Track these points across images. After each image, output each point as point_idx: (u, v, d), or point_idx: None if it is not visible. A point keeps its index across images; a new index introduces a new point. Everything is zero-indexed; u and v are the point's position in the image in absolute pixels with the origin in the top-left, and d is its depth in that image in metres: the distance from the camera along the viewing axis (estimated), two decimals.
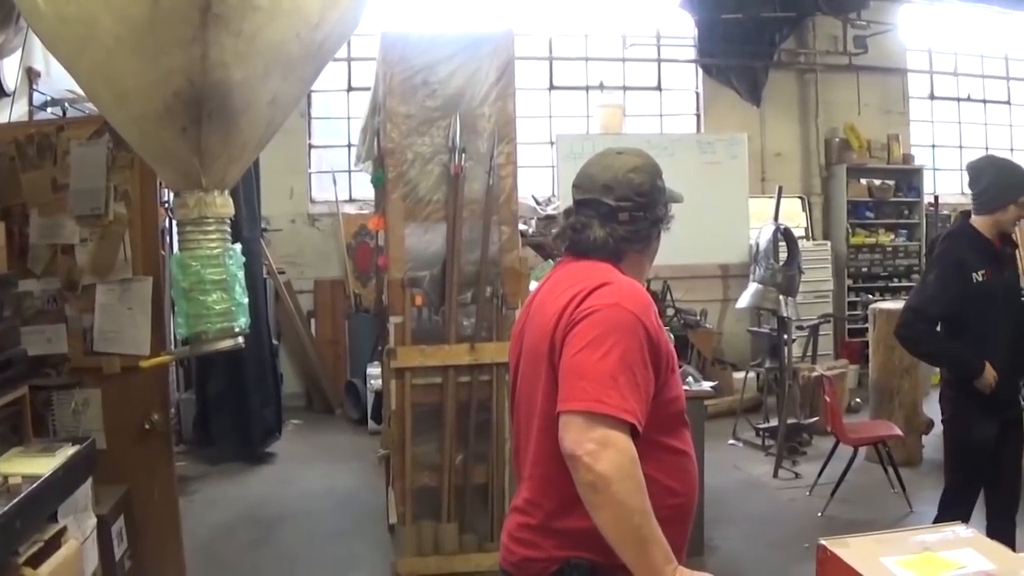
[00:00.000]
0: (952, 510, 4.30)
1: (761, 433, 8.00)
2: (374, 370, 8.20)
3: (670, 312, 9.96)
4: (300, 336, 9.83)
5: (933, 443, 7.05)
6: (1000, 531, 4.26)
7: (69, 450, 3.50)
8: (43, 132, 4.37)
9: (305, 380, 10.04)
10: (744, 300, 8.04)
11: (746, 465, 7.53)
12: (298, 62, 3.18)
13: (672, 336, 7.85)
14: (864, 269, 11.17)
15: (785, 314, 7.67)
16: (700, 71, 11.26)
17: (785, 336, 7.72)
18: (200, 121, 3.01)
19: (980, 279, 4.41)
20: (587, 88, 11.16)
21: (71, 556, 3.32)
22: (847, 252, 11.02)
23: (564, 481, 2.11)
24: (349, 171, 10.34)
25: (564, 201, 6.21)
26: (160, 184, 4.38)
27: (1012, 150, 11.94)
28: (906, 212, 11.40)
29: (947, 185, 12.03)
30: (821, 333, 9.18)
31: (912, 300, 4.70)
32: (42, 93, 6.36)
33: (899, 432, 6.56)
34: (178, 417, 7.89)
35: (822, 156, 11.32)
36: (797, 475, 7.14)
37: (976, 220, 4.57)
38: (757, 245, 8.00)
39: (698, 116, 11.43)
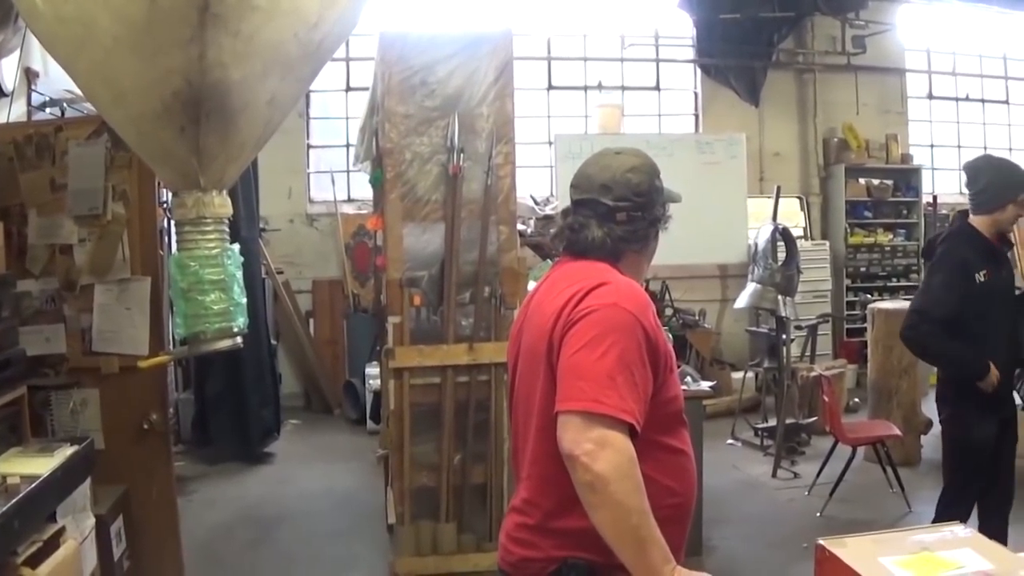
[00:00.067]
0: (951, 510, 4.30)
1: (760, 433, 8.00)
2: (372, 370, 8.19)
3: (669, 312, 9.95)
4: (298, 336, 9.83)
5: (932, 443, 7.05)
6: (993, 530, 4.26)
7: (67, 450, 3.50)
8: (41, 132, 4.37)
9: (304, 380, 10.04)
10: (743, 300, 8.04)
11: (745, 465, 7.53)
12: (296, 62, 3.18)
13: (671, 336, 7.87)
14: (862, 269, 11.18)
15: (783, 314, 7.67)
16: (698, 71, 11.27)
17: (784, 336, 7.72)
18: (198, 121, 3.01)
19: (982, 279, 4.41)
20: (585, 88, 11.17)
21: (70, 556, 3.32)
22: (845, 252, 11.02)
23: (562, 481, 2.11)
24: (347, 171, 10.33)
25: (562, 201, 6.21)
26: (158, 184, 4.38)
27: (1011, 150, 11.94)
28: (904, 212, 11.41)
29: (945, 185, 12.04)
30: (819, 333, 9.18)
31: (917, 302, 4.68)
32: (40, 93, 6.36)
33: (898, 432, 6.56)
34: (176, 417, 7.89)
35: (820, 156, 11.32)
36: (796, 475, 7.14)
37: (975, 220, 4.57)
38: (755, 245, 8.00)
39: (696, 116, 11.43)
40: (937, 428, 4.97)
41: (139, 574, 4.31)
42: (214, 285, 3.35)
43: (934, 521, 4.40)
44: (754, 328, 9.32)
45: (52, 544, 3.23)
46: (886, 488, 6.54)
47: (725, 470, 7.26)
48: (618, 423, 2.05)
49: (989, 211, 4.52)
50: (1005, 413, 4.63)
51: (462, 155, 4.93)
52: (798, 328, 8.51)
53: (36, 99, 6.34)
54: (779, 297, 7.66)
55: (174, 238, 3.64)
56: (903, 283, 11.16)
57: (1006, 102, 12.56)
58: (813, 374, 7.66)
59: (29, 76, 6.29)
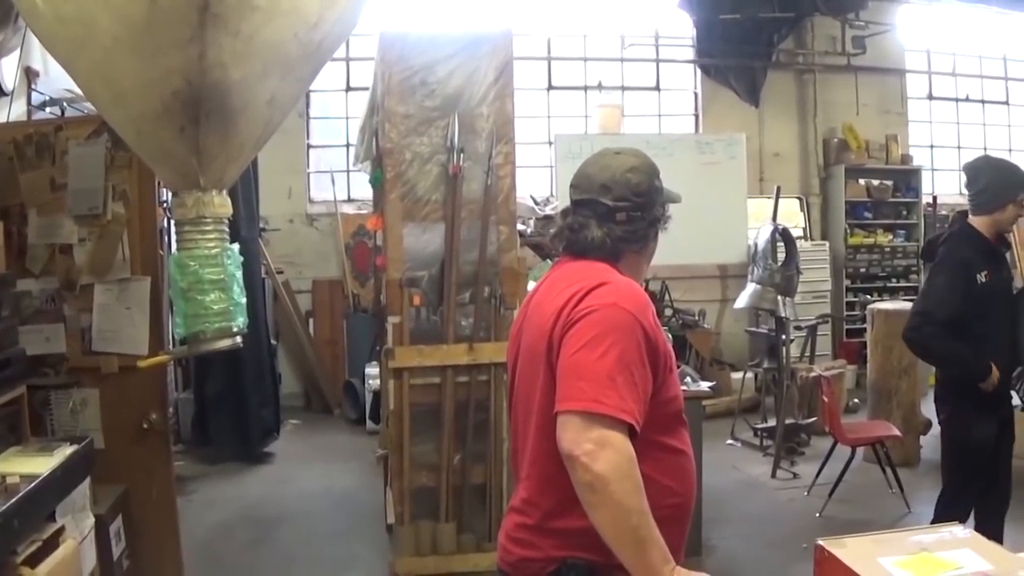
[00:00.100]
0: (951, 510, 4.28)
1: (759, 433, 8.00)
2: (372, 370, 8.19)
3: (668, 312, 9.96)
4: (298, 336, 9.83)
5: (931, 443, 7.05)
6: (990, 531, 4.25)
7: (67, 450, 3.50)
8: (41, 132, 4.37)
9: (303, 380, 10.04)
10: (742, 300, 8.04)
11: (744, 465, 7.53)
12: (296, 62, 3.18)
13: (670, 336, 7.87)
14: (862, 269, 11.18)
15: (783, 314, 7.68)
16: (698, 71, 11.27)
17: (783, 336, 7.72)
18: (198, 121, 3.01)
19: (983, 280, 4.41)
20: (585, 88, 11.17)
21: (69, 556, 3.32)
22: (845, 252, 11.02)
23: (562, 481, 2.11)
24: (347, 171, 10.33)
25: (562, 201, 6.20)
26: (158, 184, 4.39)
27: (1010, 150, 11.94)
28: (904, 212, 11.41)
29: (945, 185, 12.04)
30: (819, 333, 9.18)
31: (920, 303, 4.67)
32: (40, 93, 6.36)
33: (897, 432, 6.56)
34: (176, 417, 7.89)
35: (820, 156, 11.32)
36: (795, 475, 7.14)
37: (975, 220, 4.57)
38: (755, 245, 8.00)
39: (696, 116, 11.43)
40: (936, 429, 4.97)
41: (138, 574, 4.31)
42: (214, 285, 3.35)
43: (933, 521, 4.40)
44: (754, 328, 9.32)
45: (51, 543, 3.23)
46: (885, 488, 6.54)
47: (725, 470, 7.26)
48: (618, 423, 2.05)
49: (989, 211, 4.52)
50: (1003, 413, 4.63)
51: (462, 155, 4.93)
52: (798, 328, 8.51)
53: (36, 98, 6.34)
54: (779, 297, 7.66)
55: (174, 238, 3.64)
56: (903, 284, 11.17)
57: (1006, 103, 12.57)
58: (813, 374, 7.66)
59: (29, 75, 6.29)
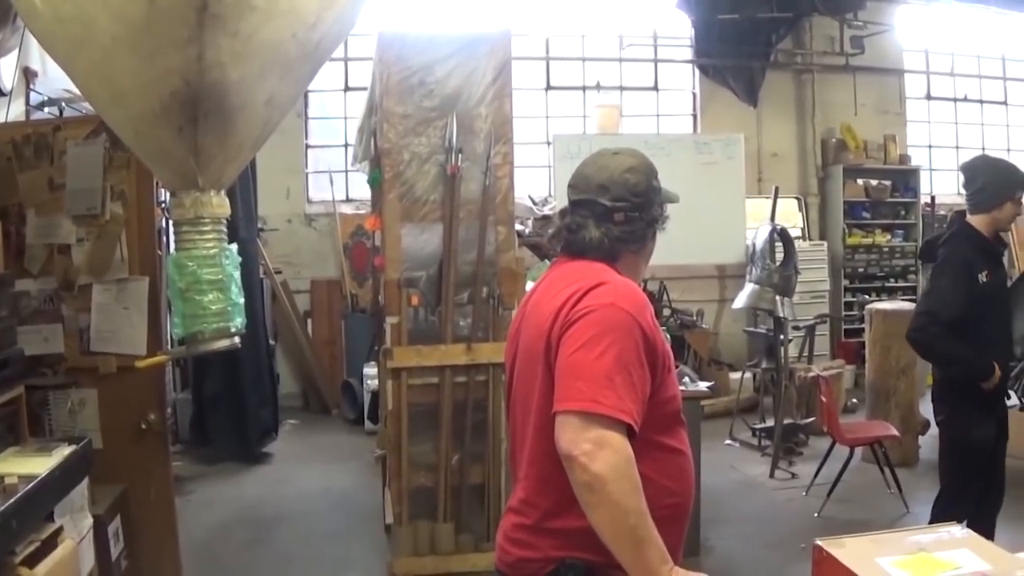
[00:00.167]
0: (951, 511, 4.24)
1: (757, 433, 8.00)
2: (371, 370, 8.20)
3: (666, 312, 9.96)
4: (297, 336, 9.83)
5: (929, 443, 7.05)
6: (982, 530, 4.24)
7: (65, 450, 3.50)
8: (40, 132, 4.37)
9: (302, 380, 10.03)
10: (740, 300, 8.04)
11: (742, 465, 7.54)
12: (295, 62, 3.18)
13: (668, 336, 7.86)
14: (860, 269, 11.18)
15: (781, 314, 7.67)
16: (697, 71, 11.27)
17: (781, 336, 7.72)
18: (196, 121, 3.01)
19: (984, 280, 4.42)
20: (584, 88, 11.17)
21: (67, 556, 3.32)
22: (843, 252, 11.02)
23: (560, 481, 2.11)
24: (346, 171, 10.33)
25: (560, 201, 6.20)
26: (157, 184, 4.38)
27: (1009, 150, 11.94)
28: (903, 212, 11.41)
29: (944, 185, 12.03)
30: (817, 333, 9.18)
31: (924, 304, 4.65)
32: (39, 93, 6.36)
33: (895, 432, 6.56)
34: (174, 417, 7.89)
35: (819, 156, 11.32)
36: (793, 475, 7.14)
37: (973, 219, 4.57)
38: (753, 245, 8.00)
39: (695, 116, 11.43)
40: (935, 429, 4.96)
41: (137, 574, 4.31)
42: (212, 285, 3.34)
43: (931, 522, 4.40)
44: (752, 328, 9.33)
45: (50, 544, 3.23)
46: (884, 488, 6.54)
47: (723, 470, 7.27)
48: (616, 423, 2.05)
49: (987, 209, 4.53)
50: (999, 412, 4.64)
51: (460, 155, 4.93)
52: (796, 328, 8.52)
53: (34, 99, 6.34)
54: (777, 297, 7.66)
55: (172, 238, 3.64)
56: (901, 284, 11.18)
57: (1004, 103, 12.58)
58: (811, 374, 7.67)
59: (27, 76, 6.29)
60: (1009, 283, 5.03)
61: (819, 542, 2.18)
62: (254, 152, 3.64)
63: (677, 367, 3.85)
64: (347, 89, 10.54)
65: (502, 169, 5.04)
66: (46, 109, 6.33)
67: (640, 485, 2.05)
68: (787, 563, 5.40)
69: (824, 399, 6.60)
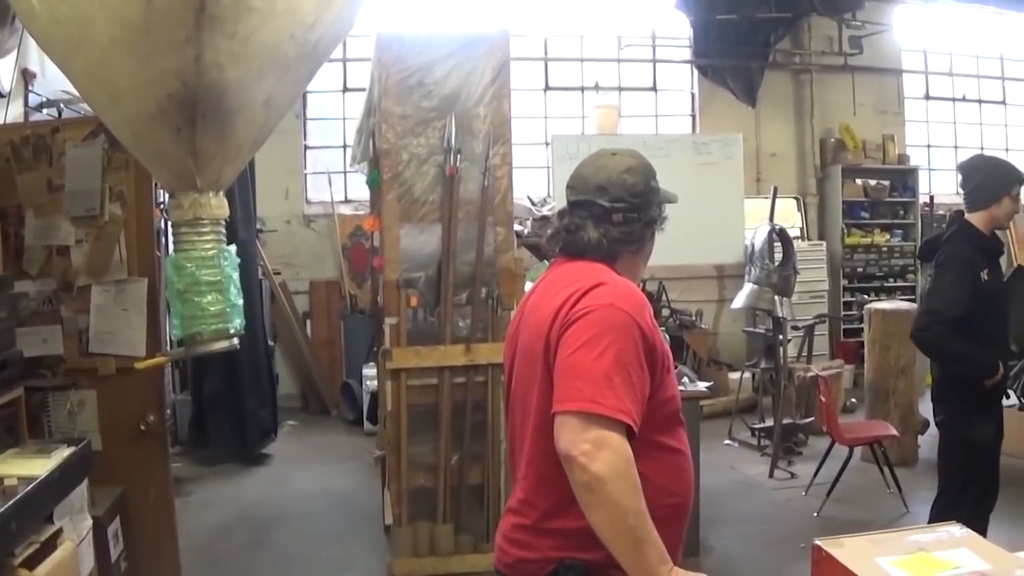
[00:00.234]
0: (951, 512, 4.20)
1: (757, 433, 8.01)
2: (370, 371, 8.19)
3: (666, 313, 9.96)
4: (296, 337, 9.83)
5: (929, 443, 7.05)
6: (976, 529, 4.22)
7: (65, 451, 3.50)
8: (38, 133, 4.37)
9: (301, 381, 10.03)
10: (739, 300, 8.04)
11: (742, 465, 7.54)
12: (293, 63, 3.18)
13: (668, 337, 7.87)
14: (859, 269, 11.17)
15: (780, 314, 7.67)
16: (695, 72, 11.27)
17: (780, 336, 7.72)
18: (194, 122, 3.01)
19: (985, 278, 4.42)
20: (582, 89, 11.17)
21: (67, 558, 3.32)
22: (842, 252, 11.03)
23: (559, 481, 2.11)
24: (345, 172, 10.32)
25: (559, 202, 6.21)
26: (155, 185, 4.38)
27: (1007, 150, 11.95)
28: (901, 212, 11.41)
29: (942, 185, 12.02)
30: (816, 333, 9.18)
31: (928, 303, 4.63)
32: (38, 94, 6.36)
33: (895, 432, 6.56)
34: (174, 418, 7.89)
35: (817, 156, 11.32)
36: (793, 475, 7.14)
37: (972, 217, 4.57)
38: (752, 246, 8.00)
39: (693, 117, 11.43)
40: (934, 428, 4.96)
41: (136, 575, 4.31)
42: (211, 286, 3.34)
43: (930, 523, 4.38)
44: (751, 329, 9.34)
45: (49, 545, 3.23)
46: (883, 488, 6.54)
47: (722, 470, 7.27)
48: (615, 424, 2.05)
49: (985, 205, 4.53)
50: (996, 411, 4.64)
51: (459, 156, 4.93)
52: (795, 328, 8.52)
53: (33, 100, 6.34)
54: (776, 298, 7.66)
55: (171, 239, 3.64)
56: (900, 283, 11.18)
57: (1003, 102, 12.58)
58: (810, 374, 7.67)
59: (26, 77, 6.29)
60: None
61: (818, 542, 2.17)
62: (252, 153, 3.64)
63: (676, 367, 3.85)
64: (345, 90, 10.54)
65: (501, 170, 5.04)
66: (45, 110, 6.33)
67: (639, 485, 2.05)
68: (786, 563, 5.40)
69: (823, 399, 6.60)
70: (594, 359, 2.11)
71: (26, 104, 6.29)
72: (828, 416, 6.52)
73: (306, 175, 10.55)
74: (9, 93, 6.04)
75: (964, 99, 12.42)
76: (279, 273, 9.83)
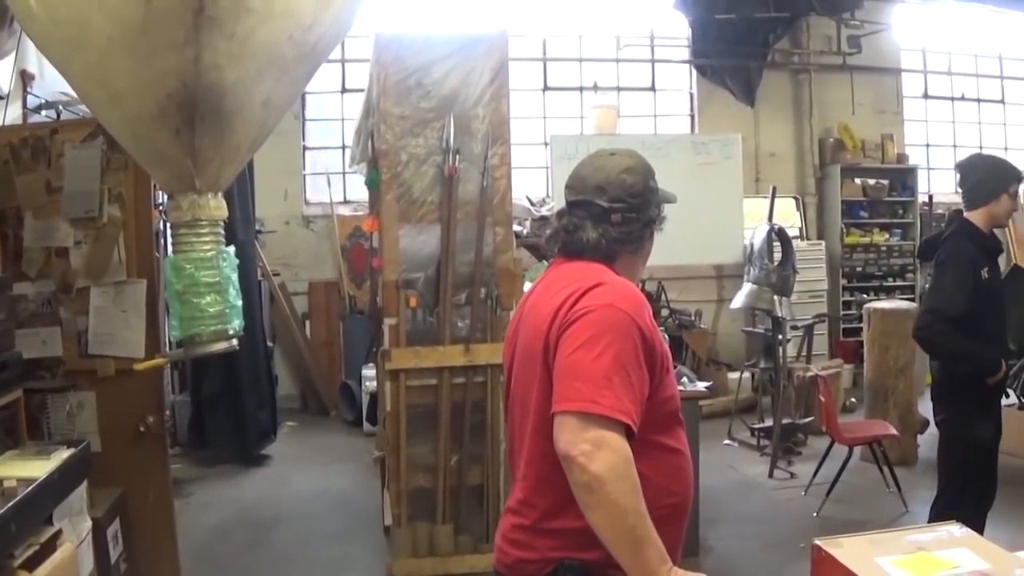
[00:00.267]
0: (951, 511, 4.18)
1: (756, 433, 8.01)
2: (369, 372, 8.19)
3: (665, 312, 9.96)
4: (295, 338, 9.83)
5: (928, 442, 7.06)
6: (975, 529, 4.22)
7: (64, 453, 3.49)
8: (37, 135, 4.36)
9: (300, 382, 10.03)
10: (739, 300, 8.04)
11: (741, 465, 7.54)
12: (291, 64, 3.18)
13: (667, 336, 7.86)
14: (859, 269, 11.18)
15: (779, 314, 7.67)
16: (694, 71, 11.27)
17: (780, 336, 7.73)
18: (193, 123, 3.00)
19: (985, 276, 4.42)
20: (581, 89, 11.17)
21: (66, 559, 3.32)
22: (841, 252, 11.03)
23: (558, 481, 2.11)
24: (343, 173, 10.33)
25: (558, 202, 6.20)
26: (154, 186, 4.38)
27: (1006, 149, 11.96)
28: (900, 212, 11.42)
29: (941, 185, 12.02)
30: (816, 333, 9.19)
31: (930, 302, 4.63)
32: (36, 96, 6.35)
33: (894, 432, 6.56)
34: (173, 420, 7.89)
35: (816, 156, 11.32)
36: (792, 475, 7.15)
37: (971, 215, 4.57)
38: (751, 245, 8.00)
39: (692, 117, 11.43)
40: (933, 428, 4.96)
41: None
42: (209, 287, 3.34)
43: (930, 522, 4.38)
44: (750, 328, 9.34)
45: (49, 547, 3.23)
46: (882, 488, 6.55)
47: (722, 470, 7.27)
48: (614, 424, 2.05)
49: (984, 203, 4.53)
50: (997, 410, 4.64)
51: (458, 156, 4.93)
52: (794, 328, 8.53)
53: (32, 101, 6.33)
54: (775, 297, 7.66)
55: (170, 240, 3.64)
56: (899, 283, 11.19)
57: (1002, 101, 12.59)
58: (809, 374, 7.68)
59: (25, 78, 6.28)
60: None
61: (818, 542, 2.17)
62: (251, 154, 3.64)
63: (675, 367, 3.85)
64: (344, 91, 10.54)
65: (499, 170, 5.05)
66: (43, 112, 6.32)
67: (639, 485, 2.05)
68: (786, 563, 5.40)
69: (823, 398, 6.60)
70: (593, 359, 2.11)
71: (24, 106, 6.28)
72: (827, 416, 6.52)
73: (305, 176, 10.55)
74: (8, 95, 6.03)
75: (963, 98, 12.43)
76: (278, 274, 9.83)
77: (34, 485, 3.14)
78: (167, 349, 4.85)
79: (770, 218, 8.15)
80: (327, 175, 10.45)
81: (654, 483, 2.18)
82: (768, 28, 11.02)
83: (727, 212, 9.65)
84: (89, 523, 3.72)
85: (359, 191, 9.42)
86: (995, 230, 4.69)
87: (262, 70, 3.05)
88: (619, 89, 11.26)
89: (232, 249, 3.51)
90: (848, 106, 11.30)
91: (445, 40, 5.07)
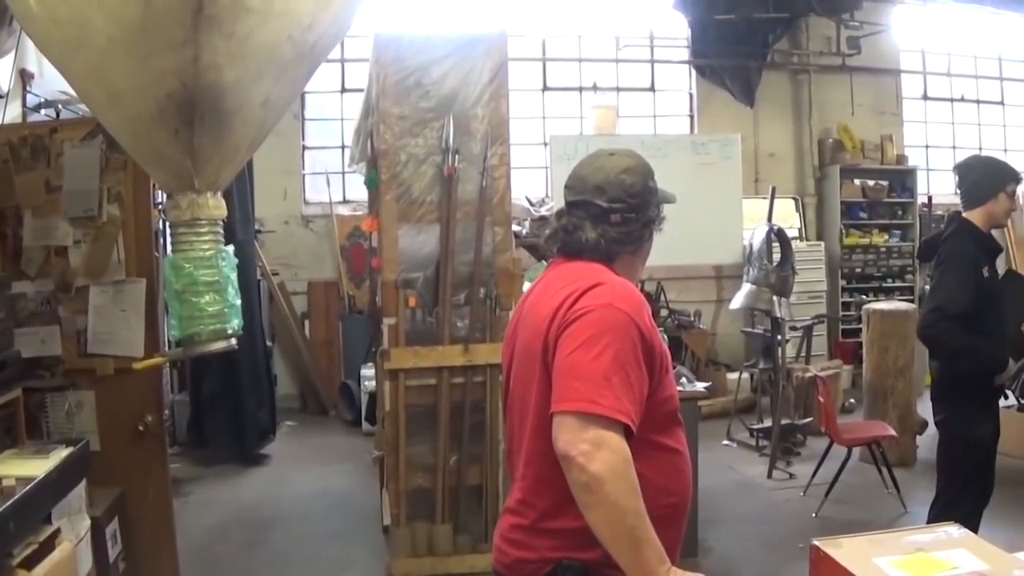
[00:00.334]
0: (950, 512, 4.17)
1: (755, 434, 8.01)
2: (368, 371, 8.19)
3: (664, 313, 9.96)
4: (294, 338, 9.83)
5: (927, 443, 7.07)
6: (971, 529, 4.22)
7: (63, 452, 3.50)
8: (36, 134, 4.36)
9: (299, 382, 10.03)
10: (738, 301, 8.04)
11: (740, 466, 7.54)
12: (291, 64, 3.17)
13: (666, 337, 7.86)
14: (858, 270, 11.18)
15: (779, 315, 7.67)
16: (693, 72, 11.27)
17: (779, 337, 7.73)
18: (192, 123, 3.00)
19: (986, 275, 4.43)
20: (580, 89, 11.16)
21: (65, 558, 3.31)
22: (840, 253, 11.03)
23: (557, 481, 2.11)
24: (343, 172, 10.33)
25: (557, 202, 6.21)
26: (154, 186, 4.38)
27: (1006, 150, 11.95)
28: (900, 213, 11.42)
29: (940, 186, 12.02)
30: (815, 334, 9.20)
31: (932, 301, 4.62)
32: (35, 95, 6.35)
33: (893, 432, 6.56)
34: (172, 419, 7.89)
35: (815, 157, 11.32)
36: (791, 476, 7.15)
37: (970, 215, 4.57)
38: (751, 246, 8.00)
39: (691, 117, 11.43)
40: (932, 429, 4.96)
41: None
42: (209, 287, 3.34)
43: (929, 523, 4.37)
44: (749, 329, 9.34)
45: (47, 546, 3.22)
46: (881, 489, 6.55)
47: (721, 471, 7.27)
48: (614, 424, 2.05)
49: (982, 203, 4.54)
50: (996, 411, 4.65)
51: (457, 156, 4.94)
52: (793, 329, 8.53)
53: (31, 100, 6.33)
54: (774, 298, 7.66)
55: (169, 240, 3.64)
56: (898, 284, 11.18)
57: (1001, 103, 12.59)
58: (808, 375, 7.68)
59: (24, 78, 6.28)
60: None
61: (816, 542, 2.17)
62: (250, 154, 3.63)
63: (674, 367, 3.86)
64: (344, 90, 10.54)
65: (499, 170, 5.05)
66: (43, 111, 6.32)
67: (638, 485, 2.05)
68: (785, 563, 5.40)
69: (822, 399, 6.60)
70: (592, 359, 2.11)
71: (24, 105, 6.28)
72: (826, 416, 6.52)
73: (304, 176, 10.55)
74: (7, 94, 6.03)
75: (962, 99, 12.43)
76: (277, 274, 9.83)
77: (33, 484, 3.13)
78: (166, 348, 4.84)
79: (769, 219, 8.15)
80: (326, 175, 10.45)
81: (653, 483, 2.18)
82: (767, 28, 11.02)
83: (726, 212, 9.66)
84: (88, 522, 3.72)
85: (358, 191, 9.42)
86: (994, 232, 4.69)
87: (261, 70, 3.05)
88: (618, 89, 11.26)
89: (231, 248, 3.51)
90: (847, 107, 11.31)
91: (444, 40, 5.07)
